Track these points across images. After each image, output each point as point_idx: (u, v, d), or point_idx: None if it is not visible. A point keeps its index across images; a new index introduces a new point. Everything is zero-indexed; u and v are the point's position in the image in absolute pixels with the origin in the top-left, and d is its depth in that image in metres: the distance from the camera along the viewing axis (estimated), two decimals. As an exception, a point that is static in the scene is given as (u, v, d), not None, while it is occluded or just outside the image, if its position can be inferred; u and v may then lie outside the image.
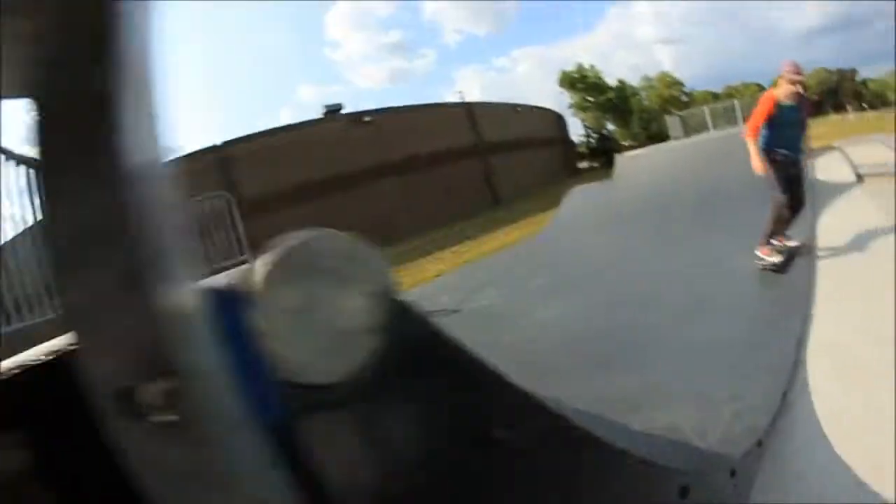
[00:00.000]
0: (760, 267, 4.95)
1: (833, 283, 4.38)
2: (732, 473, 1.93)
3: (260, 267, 0.80)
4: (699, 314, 4.26)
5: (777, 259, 4.88)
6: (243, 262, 8.26)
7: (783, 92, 4.98)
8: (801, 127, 5.20)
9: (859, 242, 5.25)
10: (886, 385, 2.49)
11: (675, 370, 3.35)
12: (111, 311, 0.57)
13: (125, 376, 0.56)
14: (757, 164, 4.90)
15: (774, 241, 5.03)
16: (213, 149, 21.42)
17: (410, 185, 25.51)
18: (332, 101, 27.74)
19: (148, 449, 0.58)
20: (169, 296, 0.58)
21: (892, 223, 5.59)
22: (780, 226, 5.01)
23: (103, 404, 0.57)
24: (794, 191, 5.04)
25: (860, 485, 1.95)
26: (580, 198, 10.37)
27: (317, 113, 26.98)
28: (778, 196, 4.99)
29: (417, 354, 0.84)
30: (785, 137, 5.00)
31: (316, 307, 0.77)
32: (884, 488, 1.90)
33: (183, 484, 0.58)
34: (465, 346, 1.00)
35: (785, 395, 2.69)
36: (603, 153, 37.95)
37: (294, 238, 0.88)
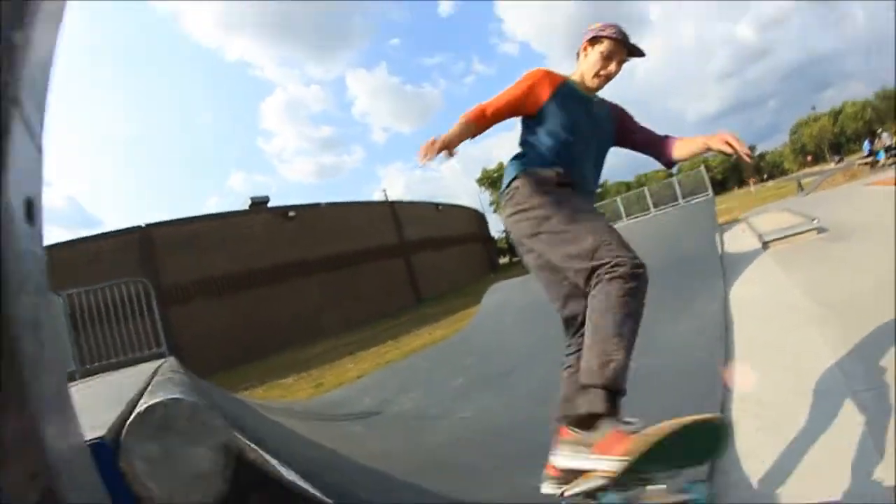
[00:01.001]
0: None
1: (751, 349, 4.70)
2: None
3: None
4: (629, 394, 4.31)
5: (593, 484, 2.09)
6: (160, 354, 7.96)
7: (581, 68, 2.89)
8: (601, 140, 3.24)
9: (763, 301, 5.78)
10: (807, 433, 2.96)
11: None
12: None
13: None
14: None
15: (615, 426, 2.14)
16: (136, 229, 20.69)
17: (333, 282, 25.34)
18: (261, 191, 27.69)
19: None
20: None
21: (790, 278, 6.27)
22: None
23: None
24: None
25: None
26: (500, 293, 10.63)
27: (243, 204, 26.72)
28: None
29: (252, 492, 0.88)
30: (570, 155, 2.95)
31: (170, 456, 0.86)
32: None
33: None
34: (298, 484, 1.11)
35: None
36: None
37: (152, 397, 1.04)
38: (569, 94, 2.70)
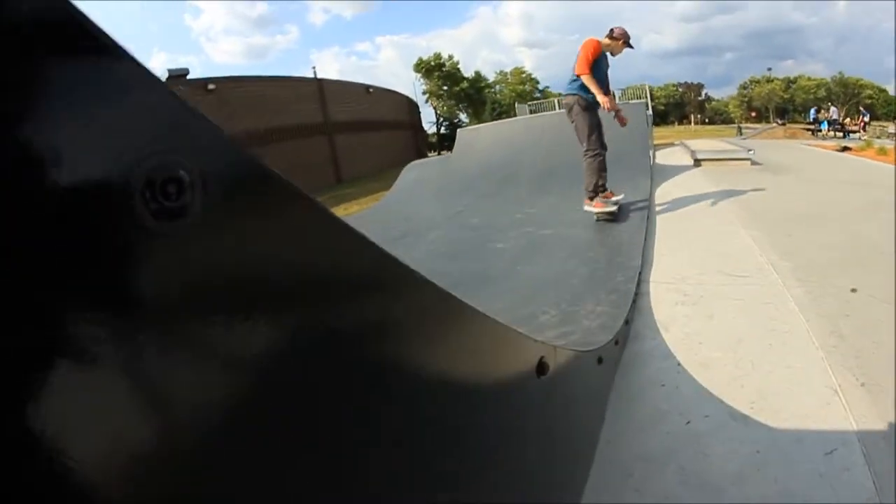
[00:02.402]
0: (596, 219, 5.14)
1: (671, 230, 4.91)
2: (599, 360, 1.97)
3: None
4: (535, 257, 4.24)
5: (612, 209, 5.14)
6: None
7: (610, 45, 5.29)
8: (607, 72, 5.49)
9: (692, 202, 6.05)
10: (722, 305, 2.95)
11: (520, 297, 3.28)
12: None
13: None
14: (605, 100, 5.06)
15: (602, 198, 5.21)
16: None
17: (250, 156, 24.04)
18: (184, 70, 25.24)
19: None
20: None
21: (719, 188, 6.65)
22: (600, 175, 5.20)
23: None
24: (601, 136, 5.29)
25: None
26: (416, 170, 10.28)
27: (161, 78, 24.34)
28: (596, 145, 5.20)
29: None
30: (601, 83, 5.16)
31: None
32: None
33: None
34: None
35: (630, 309, 2.79)
36: (452, 141, 38.46)
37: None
38: (602, 57, 5.23)
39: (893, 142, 16.01)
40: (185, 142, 0.44)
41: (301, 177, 18.09)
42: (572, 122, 5.32)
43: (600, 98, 5.01)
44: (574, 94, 5.21)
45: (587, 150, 5.21)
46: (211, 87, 23.59)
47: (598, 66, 5.13)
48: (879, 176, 7.56)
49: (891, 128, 30.97)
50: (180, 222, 0.40)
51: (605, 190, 5.27)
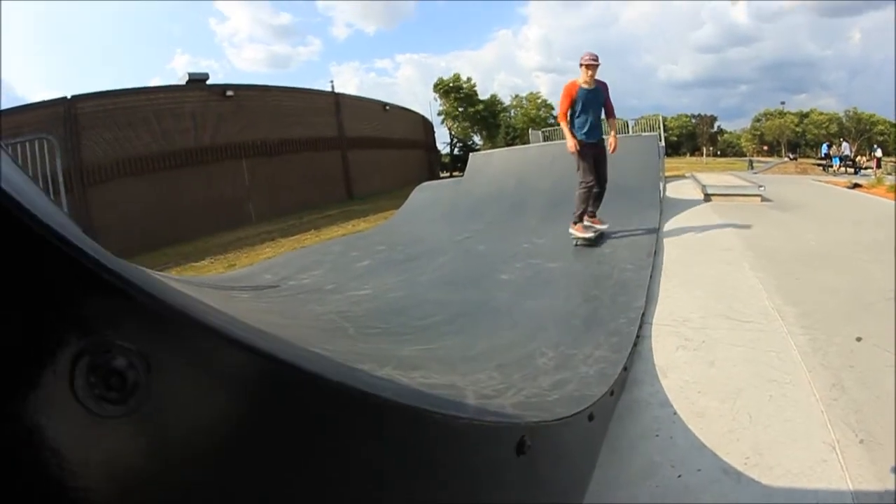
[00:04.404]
0: (575, 243, 5.69)
1: (677, 268, 4.83)
2: (591, 418, 1.93)
3: None
4: (540, 290, 4.15)
5: (589, 235, 5.69)
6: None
7: (581, 77, 5.64)
8: (601, 108, 5.85)
9: (700, 239, 6.04)
10: (723, 352, 2.90)
11: (520, 335, 3.20)
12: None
13: None
14: (571, 143, 5.64)
15: (587, 222, 5.83)
16: (61, 101, 18.52)
17: (264, 168, 24.02)
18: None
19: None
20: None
21: (728, 225, 6.65)
22: (586, 204, 5.77)
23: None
24: (598, 170, 5.80)
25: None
26: (428, 191, 10.29)
27: (181, 81, 24.42)
28: (585, 177, 5.75)
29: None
30: (588, 119, 5.71)
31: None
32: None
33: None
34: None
35: (630, 355, 2.75)
36: (465, 163, 38.50)
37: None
38: (580, 92, 5.64)
39: None
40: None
41: (312, 190, 18.15)
42: None
43: (568, 143, 5.67)
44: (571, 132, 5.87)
45: (579, 181, 5.81)
46: (229, 93, 23.69)
47: (582, 107, 5.69)
48: (889, 214, 7.51)
49: None
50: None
51: (593, 216, 5.91)
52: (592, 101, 5.73)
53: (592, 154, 5.75)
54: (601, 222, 5.92)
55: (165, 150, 20.32)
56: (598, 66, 5.61)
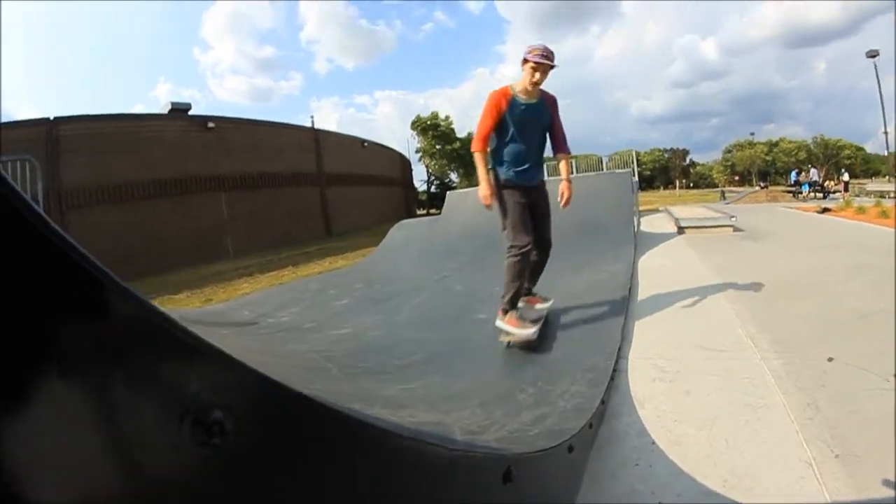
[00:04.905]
0: (507, 344, 3.71)
1: (652, 302, 4.89)
2: (570, 449, 1.97)
3: None
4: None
5: (529, 331, 3.63)
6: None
7: (521, 83, 3.65)
8: (545, 134, 3.88)
9: (674, 272, 6.07)
10: (699, 381, 2.96)
11: (499, 373, 3.33)
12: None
13: None
14: (485, 188, 3.62)
15: (522, 306, 3.99)
16: (44, 122, 18.29)
17: (243, 202, 23.91)
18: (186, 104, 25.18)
19: None
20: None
21: (702, 257, 6.80)
22: (520, 281, 3.77)
23: None
24: (538, 229, 3.86)
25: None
26: (405, 230, 10.34)
27: (163, 110, 24.37)
28: (516, 238, 3.70)
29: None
30: (525, 149, 3.74)
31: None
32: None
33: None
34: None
35: (607, 389, 2.78)
36: (442, 200, 38.70)
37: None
38: (515, 105, 3.66)
39: (872, 199, 16.44)
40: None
41: (291, 225, 18.09)
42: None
43: (481, 188, 3.65)
44: (492, 169, 3.82)
45: (508, 246, 3.74)
46: (211, 125, 23.64)
47: (517, 130, 3.69)
48: (857, 236, 7.77)
49: (869, 185, 31.92)
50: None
51: (530, 294, 4.20)
52: (533, 123, 3.72)
53: (529, 203, 3.75)
54: (543, 300, 4.21)
55: (145, 178, 20.12)
56: (551, 66, 3.57)
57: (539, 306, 4.16)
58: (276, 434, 0.69)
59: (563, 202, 3.83)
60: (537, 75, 3.54)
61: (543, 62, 3.51)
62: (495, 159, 3.78)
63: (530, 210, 3.76)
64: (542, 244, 3.94)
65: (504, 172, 3.73)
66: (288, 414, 0.71)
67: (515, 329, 3.63)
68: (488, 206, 3.69)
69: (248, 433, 0.62)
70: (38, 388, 0.45)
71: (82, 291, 0.48)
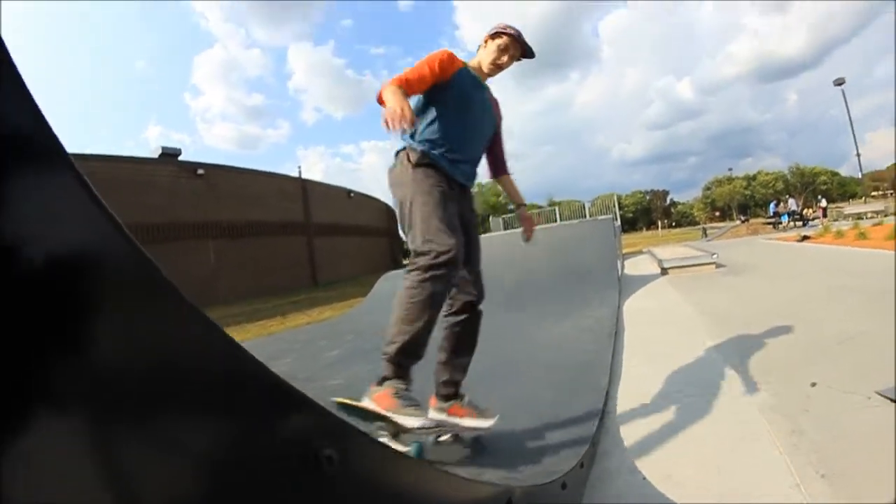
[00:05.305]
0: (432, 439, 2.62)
1: (639, 343, 4.93)
2: (563, 486, 2.02)
3: None
4: (505, 377, 4.18)
5: (410, 421, 2.14)
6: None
7: (476, 59, 2.70)
8: (488, 136, 2.77)
9: (659, 312, 6.16)
10: (686, 417, 2.99)
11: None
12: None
13: None
14: (394, 101, 2.09)
15: (441, 415, 2.60)
16: None
17: (231, 250, 23.87)
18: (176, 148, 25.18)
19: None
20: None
21: (685, 296, 6.93)
22: (429, 317, 2.20)
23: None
24: (469, 257, 2.57)
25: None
26: (392, 281, 10.41)
27: (153, 154, 24.39)
28: (438, 239, 2.20)
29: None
30: (469, 136, 2.58)
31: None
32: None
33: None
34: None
35: (597, 430, 2.82)
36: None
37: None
38: (466, 75, 2.58)
39: (850, 222, 16.79)
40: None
41: (278, 274, 18.15)
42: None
43: (389, 107, 2.07)
44: (402, 150, 2.55)
45: (414, 252, 2.27)
46: (200, 171, 23.67)
47: (461, 103, 2.50)
48: (836, 261, 7.96)
49: (846, 208, 32.53)
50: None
51: (455, 398, 2.63)
52: (480, 107, 2.63)
53: (457, 210, 2.48)
54: (478, 412, 2.60)
55: (132, 222, 19.83)
56: (515, 55, 2.67)
57: (469, 423, 2.57)
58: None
59: (528, 234, 3.07)
60: (504, 58, 2.65)
61: (507, 40, 2.61)
62: (417, 139, 2.50)
63: (458, 217, 2.47)
64: (475, 288, 2.74)
65: (428, 150, 2.45)
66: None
67: (388, 411, 2.14)
68: (402, 121, 2.02)
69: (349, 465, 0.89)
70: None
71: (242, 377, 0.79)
